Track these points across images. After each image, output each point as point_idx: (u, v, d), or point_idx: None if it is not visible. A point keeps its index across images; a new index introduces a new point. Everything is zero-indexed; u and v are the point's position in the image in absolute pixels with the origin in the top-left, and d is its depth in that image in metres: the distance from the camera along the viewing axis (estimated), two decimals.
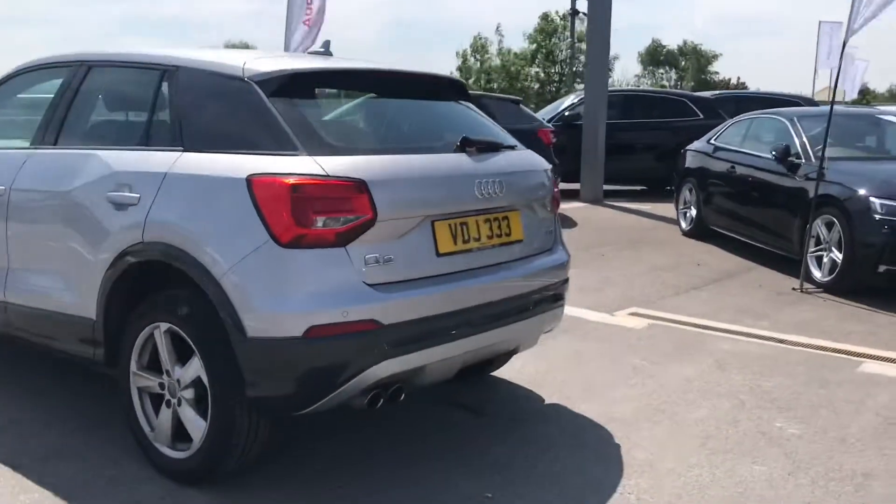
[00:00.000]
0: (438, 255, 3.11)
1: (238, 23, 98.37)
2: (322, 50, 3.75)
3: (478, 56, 39.14)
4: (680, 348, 5.08)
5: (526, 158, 3.75)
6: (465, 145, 3.34)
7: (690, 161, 9.71)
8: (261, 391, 2.86)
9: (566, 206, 11.95)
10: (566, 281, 3.85)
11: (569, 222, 10.66)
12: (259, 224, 2.81)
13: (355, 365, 2.85)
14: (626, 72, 69.06)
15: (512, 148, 3.71)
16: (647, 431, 3.76)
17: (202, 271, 2.90)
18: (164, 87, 3.33)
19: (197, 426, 3.05)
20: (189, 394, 3.07)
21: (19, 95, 4.19)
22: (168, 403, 3.15)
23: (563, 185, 13.08)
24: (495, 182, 3.30)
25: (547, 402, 4.13)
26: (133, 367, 3.23)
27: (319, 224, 2.81)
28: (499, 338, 3.36)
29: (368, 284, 2.87)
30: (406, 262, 3.00)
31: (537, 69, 40.38)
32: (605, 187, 13.13)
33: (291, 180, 2.81)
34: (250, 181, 2.85)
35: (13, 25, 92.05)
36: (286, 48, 9.73)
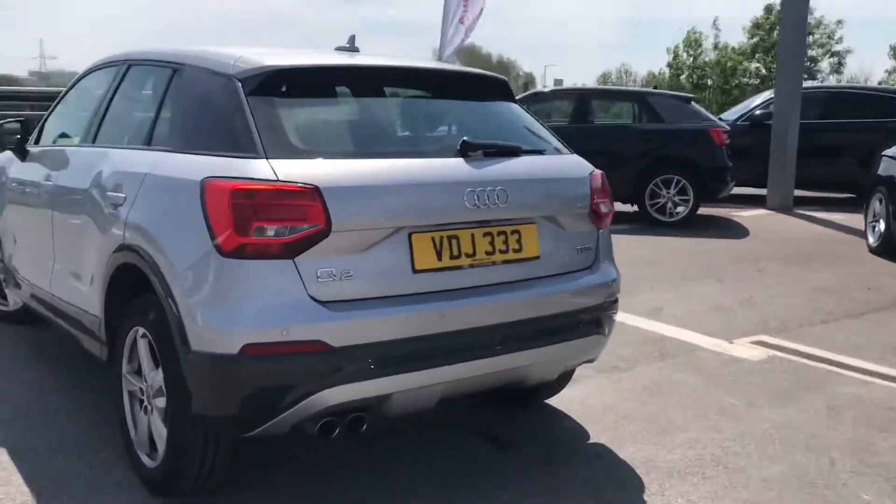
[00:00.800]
0: (415, 271, 2.77)
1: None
2: (347, 46, 3.51)
3: (691, 51, 37.07)
4: (793, 388, 4.33)
5: (556, 164, 3.29)
6: (467, 149, 2.97)
7: (883, 167, 8.46)
8: (203, 408, 2.69)
9: (747, 214, 10.95)
10: (610, 304, 3.35)
11: (741, 231, 9.72)
12: (205, 230, 2.63)
13: (299, 389, 2.59)
14: (865, 69, 62.68)
15: (539, 152, 3.27)
16: (690, 487, 3.18)
17: (160, 276, 2.78)
18: (171, 85, 3.26)
19: (162, 436, 2.94)
20: (160, 402, 2.95)
21: (91, 93, 4.33)
22: (146, 410, 3.07)
23: (750, 191, 12.13)
24: (496, 190, 2.90)
25: (591, 440, 3.64)
26: (124, 369, 3.19)
27: (266, 233, 2.57)
28: (494, 367, 2.95)
29: (319, 301, 2.60)
30: (371, 279, 2.70)
31: (757, 64, 37.59)
32: (803, 194, 11.89)
33: (234, 184, 2.60)
34: (203, 184, 2.68)
35: (264, 28, 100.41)
36: (440, 46, 9.66)
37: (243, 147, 2.73)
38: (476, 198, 2.86)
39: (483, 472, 3.30)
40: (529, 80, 77.67)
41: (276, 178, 2.60)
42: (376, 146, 3.09)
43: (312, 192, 2.60)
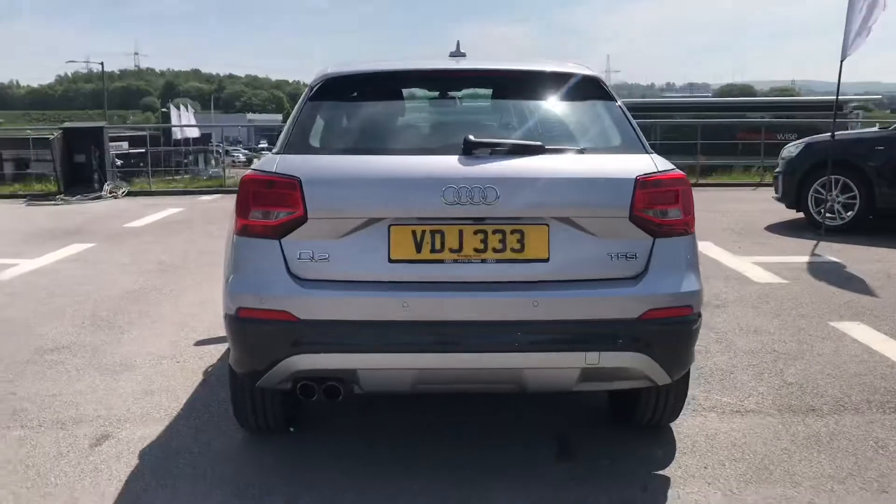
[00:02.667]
0: (391, 260, 2.92)
1: None
2: (454, 51, 3.68)
3: None
4: None
5: (589, 163, 3.04)
6: (471, 147, 2.98)
7: None
8: (231, 360, 3.22)
9: None
10: (664, 323, 2.96)
11: None
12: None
13: (271, 353, 2.96)
14: None
15: (579, 151, 3.07)
16: None
17: None
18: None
19: None
20: None
21: None
22: None
23: None
24: (483, 189, 2.86)
25: (676, 476, 3.19)
26: None
27: (260, 216, 2.99)
28: (472, 363, 2.91)
29: (297, 278, 2.93)
30: (345, 263, 2.93)
31: None
32: None
33: (247, 175, 3.08)
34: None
35: None
36: (844, 41, 8.58)
37: (281, 145, 3.21)
38: (458, 195, 2.88)
39: (522, 474, 3.21)
40: None
41: (273, 171, 3.03)
42: (382, 144, 3.24)
43: (294, 183, 2.95)
